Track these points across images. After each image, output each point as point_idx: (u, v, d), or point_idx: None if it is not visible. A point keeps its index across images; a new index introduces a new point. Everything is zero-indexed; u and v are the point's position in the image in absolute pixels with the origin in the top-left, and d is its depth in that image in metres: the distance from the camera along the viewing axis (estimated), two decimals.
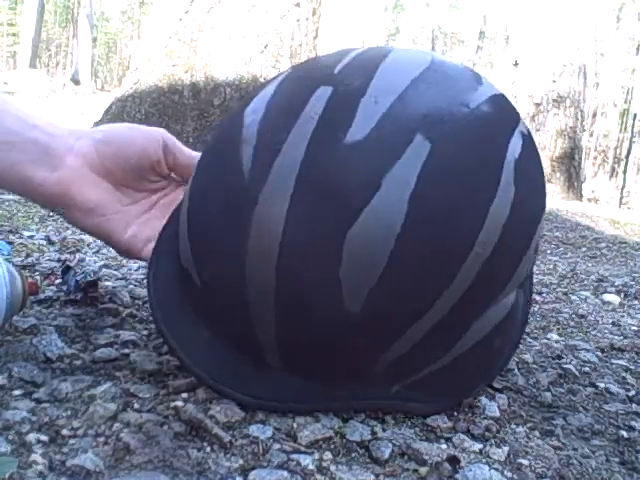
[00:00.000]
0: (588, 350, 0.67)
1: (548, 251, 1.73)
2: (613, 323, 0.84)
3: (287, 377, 0.39)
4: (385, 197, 0.30)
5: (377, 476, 0.36)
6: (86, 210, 0.48)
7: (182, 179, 0.53)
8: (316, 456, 0.37)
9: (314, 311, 0.34)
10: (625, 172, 6.87)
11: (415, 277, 0.33)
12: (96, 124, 2.19)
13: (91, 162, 0.47)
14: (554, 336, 0.72)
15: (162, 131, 0.50)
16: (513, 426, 0.44)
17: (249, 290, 0.35)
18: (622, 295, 1.07)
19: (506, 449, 0.40)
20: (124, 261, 0.83)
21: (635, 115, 7.65)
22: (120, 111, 2.15)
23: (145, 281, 0.73)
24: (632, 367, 0.63)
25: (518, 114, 0.37)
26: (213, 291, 0.39)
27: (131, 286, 0.69)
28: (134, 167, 0.49)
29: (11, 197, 1.34)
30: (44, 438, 0.35)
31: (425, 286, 0.33)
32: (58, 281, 0.65)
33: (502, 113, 0.37)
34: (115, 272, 0.75)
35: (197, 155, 0.49)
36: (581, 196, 4.55)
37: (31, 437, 0.35)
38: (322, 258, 0.32)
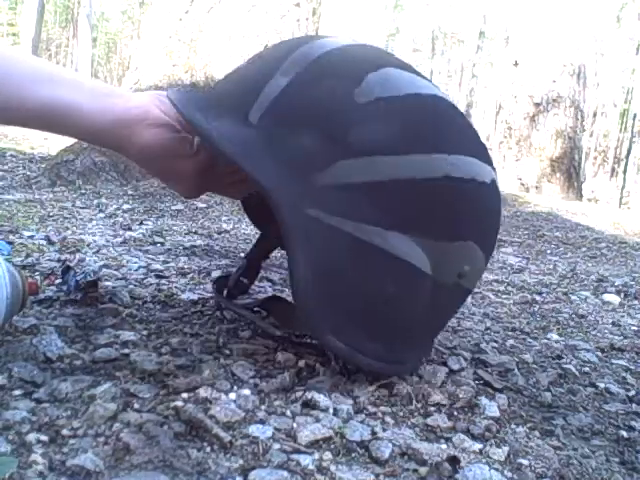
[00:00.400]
0: (588, 350, 0.67)
1: (548, 251, 1.73)
2: (613, 323, 0.84)
3: None
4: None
5: (377, 476, 0.36)
6: (160, 128, 0.51)
7: None
8: (316, 456, 0.37)
9: None
10: (625, 172, 6.87)
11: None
12: None
13: (155, 104, 0.52)
14: (554, 336, 0.72)
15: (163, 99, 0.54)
16: (513, 426, 0.44)
17: None
18: (622, 295, 1.07)
19: (506, 449, 0.40)
20: (124, 261, 0.83)
21: (635, 115, 7.65)
22: None
23: (145, 280, 0.73)
24: (632, 367, 0.63)
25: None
26: None
27: (131, 286, 0.69)
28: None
29: (11, 197, 1.34)
30: (44, 438, 0.35)
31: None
32: (58, 281, 0.65)
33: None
34: (115, 272, 0.75)
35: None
36: (581, 196, 4.55)
37: (31, 437, 0.35)
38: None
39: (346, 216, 0.44)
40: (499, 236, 0.56)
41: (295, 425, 0.40)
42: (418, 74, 0.50)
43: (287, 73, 0.46)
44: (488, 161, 0.49)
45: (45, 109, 0.48)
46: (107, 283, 0.68)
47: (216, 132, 0.45)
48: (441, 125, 0.48)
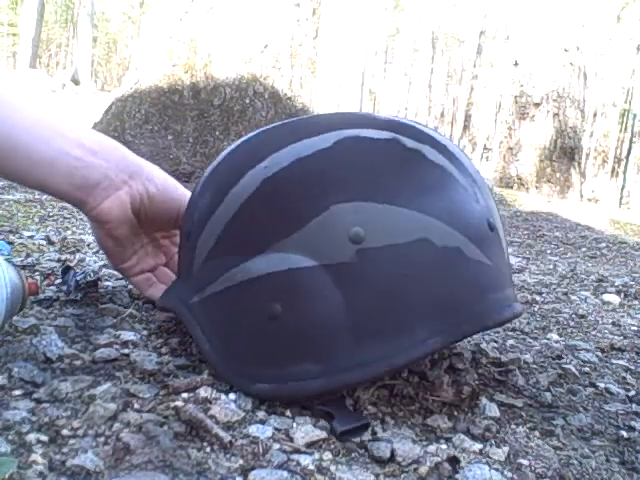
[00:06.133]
0: (588, 350, 0.67)
1: (548, 251, 1.73)
2: (613, 323, 0.84)
3: None
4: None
5: (377, 476, 0.36)
6: (112, 236, 0.56)
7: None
8: (316, 456, 0.37)
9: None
10: (625, 172, 6.87)
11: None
12: (96, 124, 2.19)
13: (135, 206, 0.55)
14: (554, 336, 0.72)
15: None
16: (513, 426, 0.44)
17: None
18: (622, 295, 1.07)
19: (506, 449, 0.40)
20: None
21: (635, 115, 7.66)
22: (120, 111, 2.15)
23: None
24: (632, 367, 0.63)
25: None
26: None
27: (131, 286, 0.69)
28: (162, 223, 0.59)
29: (11, 197, 1.34)
30: (44, 438, 0.35)
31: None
32: (58, 281, 0.65)
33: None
34: (115, 272, 0.75)
35: None
36: (581, 196, 4.55)
37: (31, 437, 0.35)
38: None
39: (212, 280, 0.46)
40: None
41: (295, 425, 0.40)
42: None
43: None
44: (334, 128, 0.45)
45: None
46: (107, 283, 0.68)
47: (162, 293, 0.55)
48: (249, 151, 0.48)
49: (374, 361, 0.40)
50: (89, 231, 1.07)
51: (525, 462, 0.39)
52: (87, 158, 0.52)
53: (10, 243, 0.83)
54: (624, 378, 0.59)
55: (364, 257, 0.41)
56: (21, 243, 0.86)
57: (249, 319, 0.44)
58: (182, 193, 0.57)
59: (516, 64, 4.50)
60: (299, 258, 0.41)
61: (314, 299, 0.41)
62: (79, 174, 0.51)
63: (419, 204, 0.42)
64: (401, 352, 0.40)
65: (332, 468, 0.36)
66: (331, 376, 0.41)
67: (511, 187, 4.37)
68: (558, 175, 4.37)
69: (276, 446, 0.37)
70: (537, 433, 0.44)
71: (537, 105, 4.41)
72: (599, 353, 0.67)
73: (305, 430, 0.39)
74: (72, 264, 0.74)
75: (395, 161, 0.44)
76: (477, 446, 0.40)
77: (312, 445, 0.38)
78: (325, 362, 0.41)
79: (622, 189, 6.59)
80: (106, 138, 0.55)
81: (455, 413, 0.45)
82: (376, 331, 0.41)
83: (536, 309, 0.88)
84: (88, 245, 0.92)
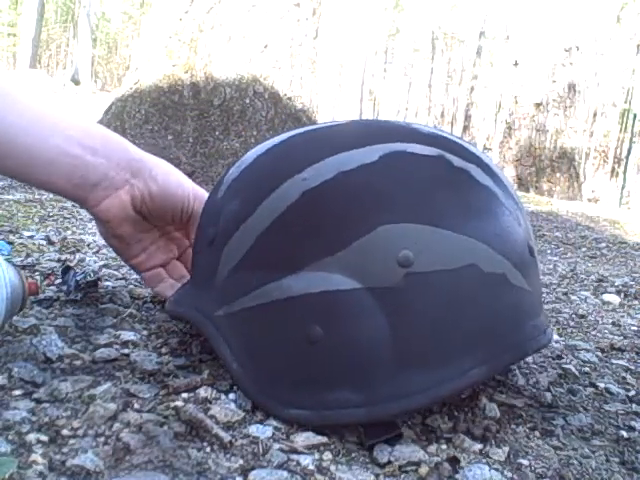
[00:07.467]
0: (588, 350, 0.67)
1: (548, 251, 1.73)
2: (613, 323, 0.84)
3: None
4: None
5: (377, 476, 0.36)
6: (114, 235, 0.56)
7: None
8: (316, 456, 0.37)
9: None
10: (625, 172, 6.87)
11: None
12: None
13: (136, 205, 0.55)
14: (554, 336, 0.72)
15: (203, 199, 0.56)
16: (513, 426, 0.44)
17: None
18: (622, 295, 1.07)
19: (506, 449, 0.40)
20: None
21: (635, 115, 7.65)
22: (120, 111, 2.15)
23: None
24: (632, 367, 0.63)
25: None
26: None
27: (131, 286, 0.69)
28: (167, 219, 0.57)
29: (11, 197, 1.34)
30: (44, 438, 0.35)
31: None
32: (58, 281, 0.65)
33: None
34: (115, 272, 0.75)
35: None
36: (581, 196, 4.55)
37: (31, 437, 0.35)
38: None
39: (243, 294, 0.43)
40: None
41: (295, 425, 0.40)
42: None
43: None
44: (379, 141, 0.43)
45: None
46: (107, 283, 0.68)
47: (167, 302, 0.53)
48: (285, 159, 0.45)
49: (418, 392, 0.39)
50: (89, 231, 1.07)
51: (525, 462, 0.39)
52: (87, 157, 0.51)
53: (10, 243, 0.83)
54: (624, 378, 0.59)
55: (412, 282, 0.39)
56: (21, 243, 0.86)
57: (285, 340, 0.41)
58: (186, 189, 0.56)
59: (516, 64, 4.50)
60: (342, 279, 0.39)
61: (357, 323, 0.39)
62: (78, 174, 0.51)
63: (468, 228, 0.40)
64: (445, 382, 0.39)
65: (332, 468, 0.36)
66: (373, 406, 0.39)
67: None
68: (558, 175, 4.37)
69: (276, 446, 0.37)
70: (537, 433, 0.44)
71: (537, 105, 4.41)
72: (599, 353, 0.67)
73: (306, 435, 0.39)
74: (72, 264, 0.74)
75: (443, 181, 0.42)
76: (477, 446, 0.40)
77: (312, 447, 0.38)
78: (366, 391, 0.39)
79: (622, 189, 6.59)
80: (109, 133, 0.54)
81: (455, 413, 0.45)
82: (421, 360, 0.39)
83: None
84: (88, 245, 0.92)
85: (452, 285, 0.39)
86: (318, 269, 0.40)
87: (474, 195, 0.42)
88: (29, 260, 0.76)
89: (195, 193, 0.57)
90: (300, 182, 0.41)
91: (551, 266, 1.39)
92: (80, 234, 1.02)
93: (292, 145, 0.47)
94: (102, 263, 0.79)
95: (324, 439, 0.39)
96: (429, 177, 0.42)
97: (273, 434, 0.39)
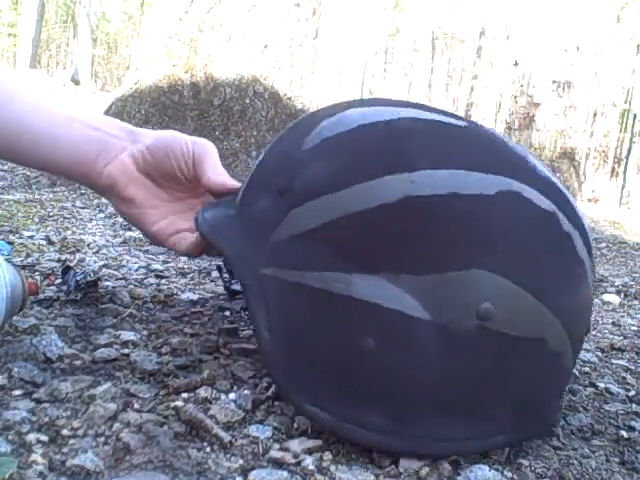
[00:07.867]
0: (588, 350, 0.67)
1: None
2: (613, 323, 0.84)
3: None
4: None
5: (377, 476, 0.36)
6: (127, 202, 0.56)
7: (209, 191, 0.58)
8: (316, 456, 0.37)
9: None
10: (625, 172, 6.87)
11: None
12: None
13: (138, 164, 0.55)
14: None
15: (202, 143, 0.56)
16: None
17: None
18: (622, 295, 1.07)
19: (506, 449, 0.40)
20: (124, 261, 0.83)
21: (635, 115, 7.65)
22: (120, 111, 2.15)
23: (145, 280, 0.73)
24: (632, 367, 0.63)
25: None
26: None
27: (131, 286, 0.69)
28: (172, 175, 0.57)
29: (11, 197, 1.34)
30: (44, 438, 0.35)
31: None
32: (58, 281, 0.65)
33: None
34: (115, 272, 0.75)
35: (225, 179, 0.54)
36: (581, 196, 4.55)
37: (31, 437, 0.35)
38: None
39: (302, 267, 0.39)
40: None
41: (295, 425, 0.40)
42: (404, 104, 0.44)
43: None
44: (500, 171, 0.40)
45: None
46: (107, 283, 0.68)
47: (200, 219, 0.48)
48: (396, 145, 0.41)
49: (442, 440, 0.38)
50: (89, 231, 1.07)
51: (525, 462, 0.39)
52: (89, 132, 0.54)
53: (10, 243, 0.83)
54: (624, 378, 0.59)
55: (483, 335, 0.37)
56: (21, 243, 0.86)
57: (333, 338, 0.38)
58: (181, 136, 0.56)
59: (516, 64, 4.50)
60: (414, 304, 0.37)
61: (413, 353, 0.37)
62: (82, 149, 0.54)
63: (553, 302, 0.39)
64: (469, 440, 0.39)
65: (332, 468, 0.36)
66: (395, 438, 0.38)
67: None
68: (558, 175, 4.37)
69: (276, 446, 0.37)
70: None
71: (537, 105, 4.41)
72: (599, 353, 0.67)
73: (300, 440, 0.38)
74: (72, 264, 0.74)
75: (550, 245, 0.40)
76: None
77: (308, 451, 0.38)
78: (397, 422, 0.38)
79: (622, 189, 6.59)
80: (103, 116, 0.57)
81: None
82: (458, 411, 0.38)
83: None
84: (88, 245, 0.92)
85: (519, 352, 0.38)
86: (392, 282, 0.37)
87: (570, 270, 0.41)
88: (29, 260, 0.76)
89: (190, 138, 0.56)
90: (407, 184, 0.38)
91: None
92: (80, 234, 1.02)
93: (406, 132, 0.42)
94: (102, 263, 0.79)
95: (318, 442, 0.38)
96: (539, 235, 0.40)
97: (273, 434, 0.39)
